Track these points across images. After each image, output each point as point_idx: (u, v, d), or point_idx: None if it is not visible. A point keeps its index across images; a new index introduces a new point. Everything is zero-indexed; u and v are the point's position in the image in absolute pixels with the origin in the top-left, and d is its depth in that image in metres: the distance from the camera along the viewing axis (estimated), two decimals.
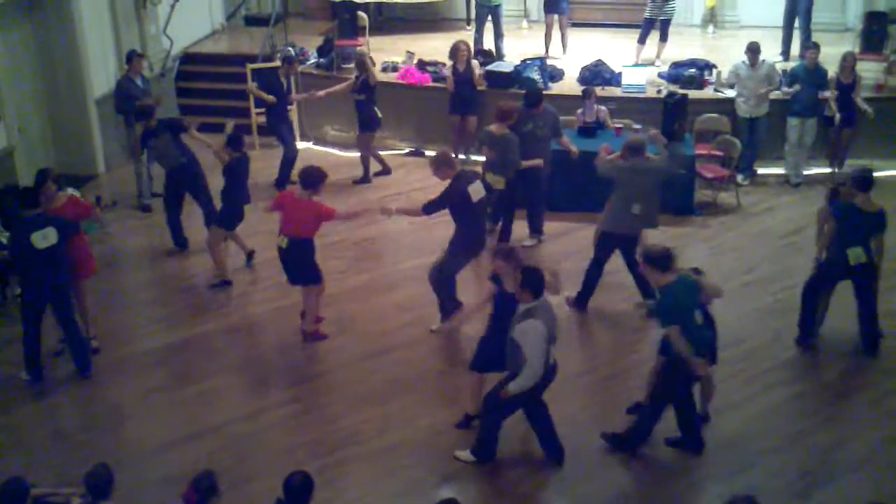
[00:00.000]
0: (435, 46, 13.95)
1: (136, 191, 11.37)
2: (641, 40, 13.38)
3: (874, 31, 12.41)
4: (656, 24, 13.25)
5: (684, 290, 6.57)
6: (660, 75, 12.74)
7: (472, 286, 8.79)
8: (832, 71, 11.49)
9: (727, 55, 13.01)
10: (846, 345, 8.34)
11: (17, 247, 7.64)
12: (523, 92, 10.89)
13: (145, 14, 13.21)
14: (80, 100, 11.99)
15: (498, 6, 13.39)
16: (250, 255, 9.89)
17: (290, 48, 13.52)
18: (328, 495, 6.51)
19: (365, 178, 12.04)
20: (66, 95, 11.93)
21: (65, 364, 8.17)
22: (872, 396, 7.74)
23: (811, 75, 11.38)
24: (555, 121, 10.01)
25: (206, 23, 15.50)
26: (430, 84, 12.75)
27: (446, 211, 8.26)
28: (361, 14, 13.89)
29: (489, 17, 13.48)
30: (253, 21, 15.99)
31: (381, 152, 12.43)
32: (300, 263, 8.24)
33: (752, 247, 10.27)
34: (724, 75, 12.12)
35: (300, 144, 12.95)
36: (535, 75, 12.26)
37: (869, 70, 12.13)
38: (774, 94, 11.62)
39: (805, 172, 11.85)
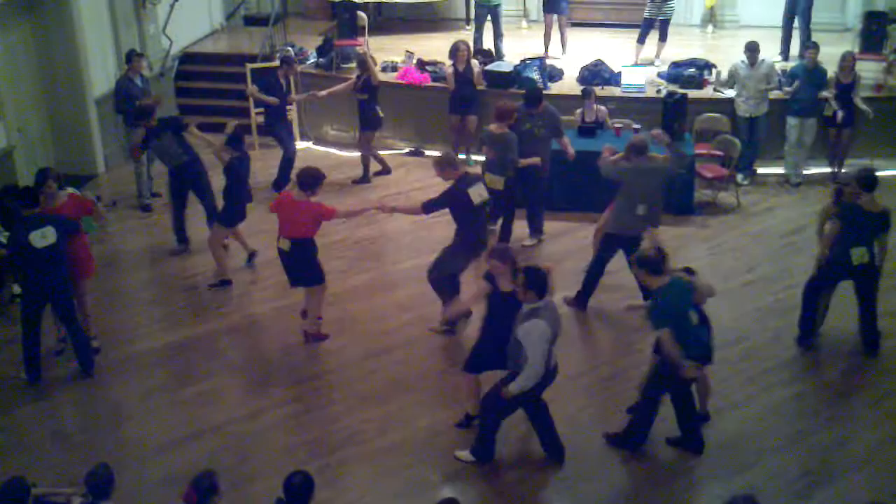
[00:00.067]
0: (435, 46, 13.95)
1: (136, 190, 11.36)
2: (641, 40, 13.38)
3: (874, 31, 12.39)
4: (655, 24, 13.25)
5: (678, 292, 6.58)
6: (659, 75, 12.74)
7: (472, 287, 8.77)
8: (832, 71, 11.50)
9: (727, 55, 13.00)
10: (846, 345, 8.35)
11: (15, 246, 7.64)
12: (523, 91, 10.89)
13: (145, 14, 13.21)
14: (79, 99, 11.99)
15: (497, 6, 13.39)
16: (252, 255, 9.89)
17: (289, 48, 13.53)
18: (328, 495, 6.51)
19: (364, 178, 12.05)
20: (66, 95, 11.92)
21: (65, 364, 8.17)
22: (872, 396, 7.75)
23: (811, 75, 11.38)
24: (555, 120, 10.01)
25: (206, 22, 15.50)
26: (430, 84, 12.76)
27: (447, 210, 8.26)
28: (361, 14, 13.88)
29: (488, 17, 13.47)
30: (252, 21, 15.98)
31: (381, 152, 12.44)
32: (303, 264, 8.23)
33: (752, 246, 10.27)
34: (724, 75, 12.12)
35: (300, 144, 12.97)
36: (535, 75, 12.26)
37: (868, 70, 12.13)
38: (774, 94, 11.63)
39: (805, 172, 11.86)
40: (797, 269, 9.43)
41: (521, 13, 15.87)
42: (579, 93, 11.48)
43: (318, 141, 13.50)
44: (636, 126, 11.21)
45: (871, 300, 8.11)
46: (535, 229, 10.32)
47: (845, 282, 8.15)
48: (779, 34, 13.49)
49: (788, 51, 13.36)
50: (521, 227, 10.20)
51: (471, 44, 12.71)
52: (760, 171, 11.96)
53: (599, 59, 12.82)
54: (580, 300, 8.95)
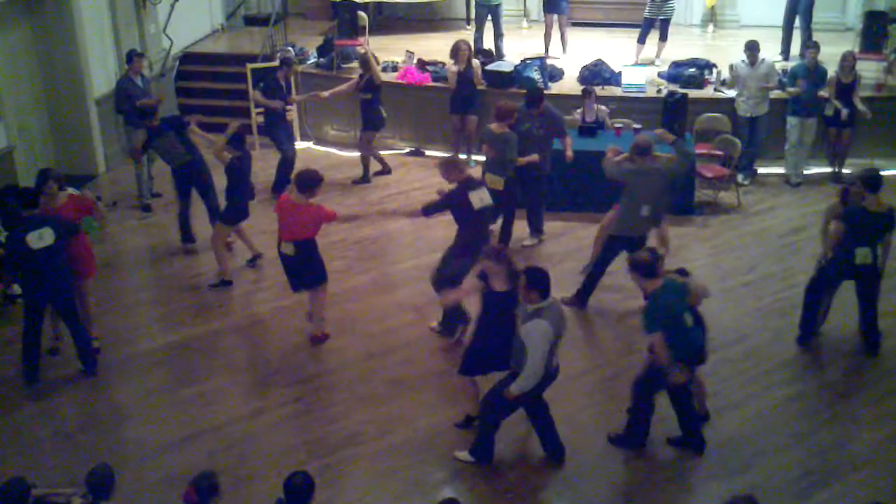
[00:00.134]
0: (435, 46, 13.95)
1: (137, 191, 11.37)
2: (641, 40, 13.38)
3: (874, 31, 12.39)
4: (656, 24, 13.25)
5: (673, 295, 6.58)
6: (660, 75, 12.74)
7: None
8: (832, 70, 11.50)
9: (727, 55, 13.00)
10: (847, 344, 8.35)
11: (12, 247, 7.64)
12: (524, 91, 10.89)
13: (145, 14, 13.22)
14: (80, 100, 11.99)
15: (497, 6, 13.38)
16: (256, 257, 9.87)
17: (289, 48, 13.53)
18: (329, 495, 6.51)
19: (364, 178, 12.04)
20: (66, 95, 11.93)
21: (66, 364, 8.17)
22: (873, 396, 7.75)
23: (811, 75, 11.38)
24: (555, 122, 9.97)
25: (206, 22, 15.51)
26: (430, 84, 12.76)
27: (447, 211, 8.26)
28: (361, 14, 13.88)
29: (489, 17, 13.47)
30: (253, 21, 15.99)
31: (381, 152, 12.43)
32: (308, 265, 8.21)
33: (753, 246, 10.28)
34: (724, 75, 12.12)
35: (301, 144, 12.98)
36: (535, 75, 12.26)
37: (869, 70, 12.13)
38: (776, 94, 11.63)
39: (805, 172, 11.86)
40: (798, 269, 9.45)
41: (521, 13, 15.87)
42: (580, 92, 11.48)
43: (318, 141, 13.51)
44: (637, 126, 11.21)
45: (873, 300, 8.11)
46: (536, 229, 10.32)
47: (846, 281, 8.15)
48: (779, 34, 13.49)
49: (789, 50, 13.36)
50: (521, 227, 10.20)
51: (471, 43, 12.72)
52: (761, 170, 11.97)
53: (600, 59, 12.82)
54: (580, 298, 8.95)
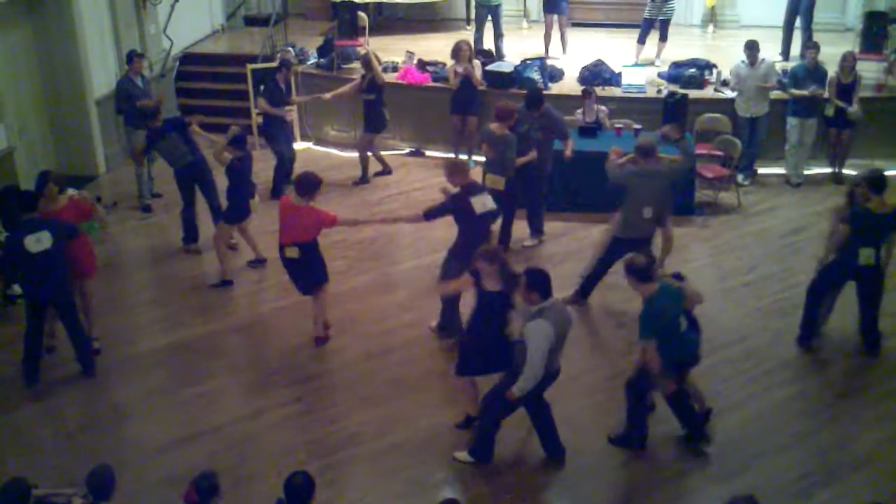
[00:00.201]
0: (435, 46, 13.96)
1: (137, 191, 11.37)
2: (641, 40, 13.38)
3: (874, 31, 12.39)
4: (656, 24, 13.25)
5: (669, 299, 6.59)
6: (660, 75, 12.74)
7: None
8: (832, 71, 11.50)
9: (727, 55, 13.01)
10: (847, 345, 8.35)
11: (10, 249, 7.64)
12: (524, 92, 10.89)
13: (145, 14, 13.22)
14: (80, 100, 11.99)
15: (498, 6, 13.39)
16: (260, 261, 9.84)
17: (289, 48, 13.53)
18: (329, 495, 6.52)
19: (363, 179, 12.04)
20: (67, 96, 11.93)
21: (66, 364, 8.17)
22: (873, 397, 7.74)
23: (812, 75, 11.38)
24: (554, 124, 9.93)
25: (206, 23, 15.52)
26: (430, 84, 12.76)
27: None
28: (361, 14, 13.89)
29: (489, 17, 13.48)
30: (253, 21, 16.00)
31: (381, 152, 12.43)
32: (312, 266, 8.22)
33: (753, 247, 10.28)
34: (724, 76, 12.12)
35: (301, 145, 12.98)
36: (535, 75, 12.26)
37: (869, 70, 12.13)
38: (776, 94, 11.63)
39: (805, 172, 11.86)
40: (798, 270, 9.45)
41: (521, 13, 15.88)
42: (580, 93, 11.48)
43: (318, 141, 13.50)
44: (637, 126, 11.21)
45: (874, 301, 8.09)
46: (536, 230, 10.32)
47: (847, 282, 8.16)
48: (779, 34, 13.49)
49: (789, 51, 13.36)
50: (521, 228, 10.20)
51: (472, 44, 12.71)
52: (761, 171, 11.97)
53: (600, 60, 12.82)
54: (583, 292, 8.96)
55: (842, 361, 8.23)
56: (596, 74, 12.53)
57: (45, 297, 7.71)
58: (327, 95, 12.11)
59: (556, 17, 13.69)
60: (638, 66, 12.84)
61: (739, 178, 11.48)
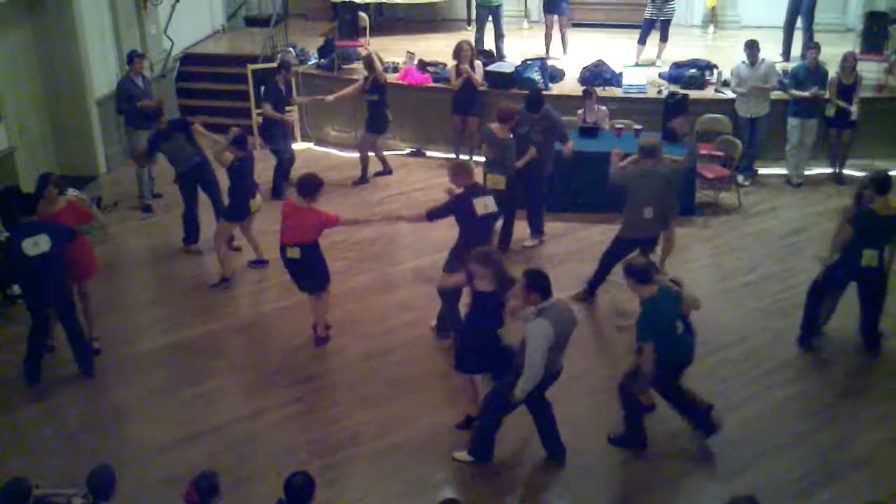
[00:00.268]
0: (436, 47, 13.96)
1: (138, 191, 11.37)
2: (641, 41, 13.38)
3: (875, 32, 12.39)
4: (656, 25, 13.26)
5: (667, 302, 6.60)
6: (660, 75, 12.75)
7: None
8: (833, 71, 11.50)
9: (728, 56, 13.01)
10: (847, 345, 8.34)
11: (7, 252, 7.64)
12: (525, 92, 10.88)
13: (146, 14, 13.23)
14: (80, 100, 12.00)
15: (498, 6, 13.40)
16: (261, 262, 9.83)
17: (290, 49, 13.53)
18: (329, 495, 6.52)
19: (363, 179, 12.04)
20: (67, 96, 11.94)
21: (67, 365, 8.17)
22: (874, 397, 7.74)
23: (812, 76, 11.38)
24: (555, 126, 9.90)
25: (207, 23, 15.53)
26: (431, 84, 12.76)
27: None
28: (362, 14, 13.90)
29: (489, 18, 13.48)
30: (253, 22, 16.03)
31: (382, 153, 12.43)
32: (314, 266, 8.22)
33: (754, 247, 10.27)
34: (725, 77, 12.12)
35: (301, 145, 12.98)
36: (536, 76, 12.26)
37: (870, 70, 12.13)
38: (777, 94, 11.63)
39: (806, 173, 11.87)
40: (798, 270, 9.45)
41: (522, 14, 15.89)
42: (580, 93, 11.48)
43: (319, 142, 13.51)
44: (637, 127, 11.21)
45: (876, 302, 8.06)
46: (536, 230, 10.32)
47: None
48: (779, 34, 13.49)
49: (790, 51, 13.36)
50: (521, 228, 10.21)
51: (473, 44, 12.71)
52: (762, 171, 11.97)
53: (600, 60, 12.82)
54: (589, 289, 8.96)
55: (842, 361, 8.22)
56: (596, 75, 12.53)
57: (44, 300, 7.71)
58: (329, 97, 12.09)
59: (556, 17, 13.70)
60: (638, 66, 12.84)
61: (740, 178, 11.48)
